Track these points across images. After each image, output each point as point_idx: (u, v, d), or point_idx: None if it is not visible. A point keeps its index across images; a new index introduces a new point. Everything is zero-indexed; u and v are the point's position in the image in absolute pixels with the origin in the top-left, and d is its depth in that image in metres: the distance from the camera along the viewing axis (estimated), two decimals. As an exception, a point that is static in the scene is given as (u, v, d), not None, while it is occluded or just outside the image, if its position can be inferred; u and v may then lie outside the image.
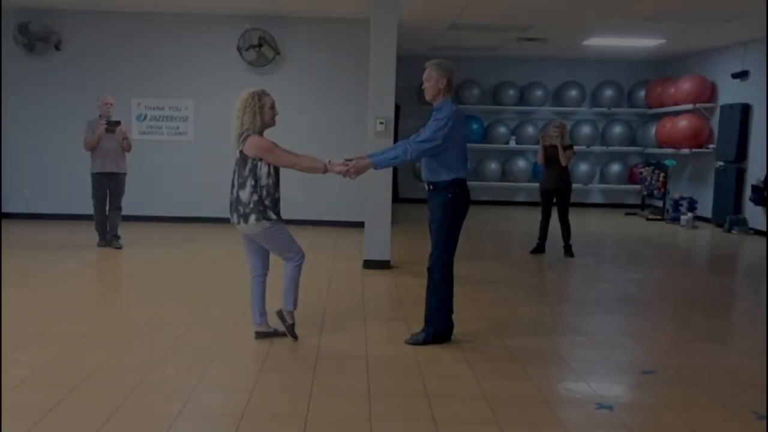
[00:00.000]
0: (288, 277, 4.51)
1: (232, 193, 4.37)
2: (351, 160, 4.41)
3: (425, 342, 4.47)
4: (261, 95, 4.32)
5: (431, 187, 4.40)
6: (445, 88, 4.35)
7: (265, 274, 4.60)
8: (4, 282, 5.74)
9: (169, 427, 3.17)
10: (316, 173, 4.46)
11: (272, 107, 4.37)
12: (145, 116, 9.74)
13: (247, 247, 4.56)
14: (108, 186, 7.66)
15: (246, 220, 4.29)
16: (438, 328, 4.50)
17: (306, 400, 3.52)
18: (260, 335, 4.55)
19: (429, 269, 4.51)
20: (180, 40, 9.90)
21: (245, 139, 4.28)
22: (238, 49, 9.78)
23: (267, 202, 4.30)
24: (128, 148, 7.73)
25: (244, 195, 4.28)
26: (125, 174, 7.76)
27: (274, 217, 4.33)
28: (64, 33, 9.78)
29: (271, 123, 4.39)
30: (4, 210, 9.70)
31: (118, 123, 7.59)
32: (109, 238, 7.78)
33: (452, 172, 4.32)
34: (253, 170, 4.27)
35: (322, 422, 3.27)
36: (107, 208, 7.71)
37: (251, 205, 4.27)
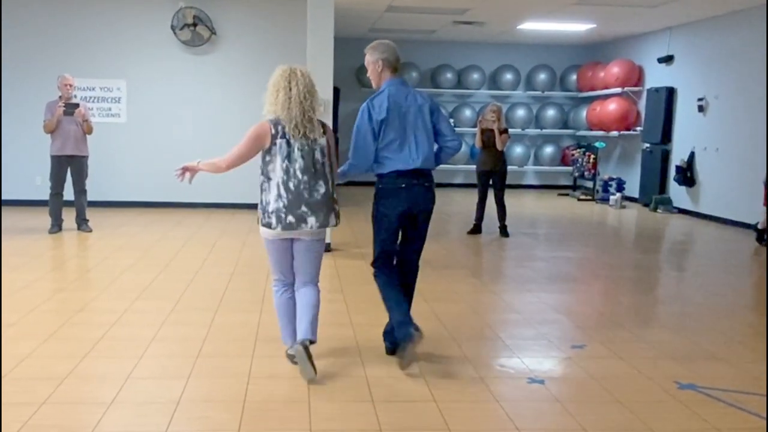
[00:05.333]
0: (310, 299, 3.78)
1: (322, 188, 3.61)
2: None
3: None
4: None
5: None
6: (383, 70, 3.90)
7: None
8: None
9: (102, 416, 3.10)
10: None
11: None
12: (75, 97, 9.34)
13: (282, 249, 3.74)
14: (69, 169, 7.54)
15: (331, 222, 3.68)
16: None
17: (244, 384, 3.51)
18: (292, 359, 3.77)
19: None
20: (111, 18, 9.55)
21: (324, 125, 3.68)
22: (172, 28, 9.51)
23: None
24: (89, 131, 7.58)
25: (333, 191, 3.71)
26: (86, 157, 7.63)
27: None
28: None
29: None
30: None
31: (76, 105, 7.43)
32: (78, 223, 7.71)
33: (373, 168, 3.88)
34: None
35: (261, 406, 3.27)
36: (72, 191, 7.59)
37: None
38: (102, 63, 9.58)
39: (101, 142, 9.38)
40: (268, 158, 3.58)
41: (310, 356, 3.53)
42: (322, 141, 3.63)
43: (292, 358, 3.74)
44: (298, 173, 3.54)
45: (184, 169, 3.64)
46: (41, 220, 7.86)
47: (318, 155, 3.60)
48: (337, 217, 3.71)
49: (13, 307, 4.73)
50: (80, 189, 7.63)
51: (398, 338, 3.76)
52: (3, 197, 9.40)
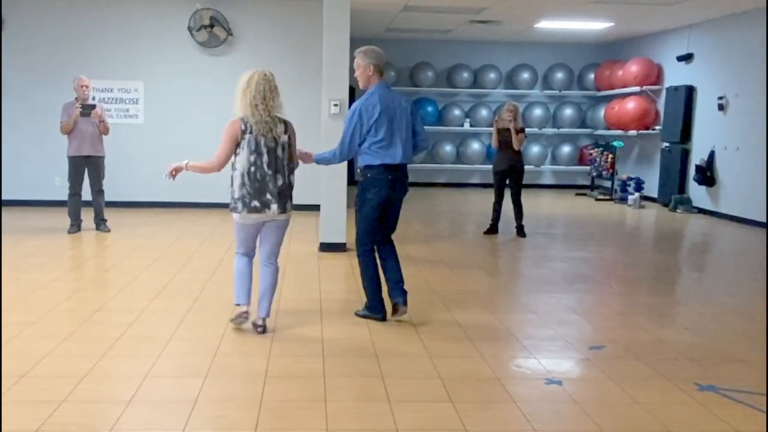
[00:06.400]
0: (272, 280, 4.35)
1: (280, 180, 4.14)
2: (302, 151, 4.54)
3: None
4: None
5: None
6: (373, 74, 4.47)
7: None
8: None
9: (120, 414, 3.13)
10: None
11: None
12: (94, 98, 9.45)
13: (251, 233, 4.28)
14: (86, 169, 7.60)
15: (288, 208, 4.25)
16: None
17: (261, 383, 3.52)
18: (243, 316, 4.32)
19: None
20: (128, 20, 9.63)
21: (288, 125, 4.19)
22: (189, 29, 9.57)
23: None
24: (105, 131, 7.64)
25: (293, 181, 4.27)
26: (103, 157, 7.69)
27: None
28: (7, 13, 9.41)
29: None
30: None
31: (93, 107, 7.49)
32: (97, 223, 7.79)
33: (364, 160, 4.47)
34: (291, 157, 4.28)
35: (277, 405, 3.27)
36: (90, 192, 7.66)
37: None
38: (120, 64, 9.67)
39: (119, 142, 9.47)
40: (237, 151, 4.11)
41: (265, 329, 4.29)
42: (284, 138, 4.15)
43: (239, 317, 4.31)
44: (264, 166, 4.08)
45: (175, 170, 4.20)
46: (60, 221, 7.94)
47: (279, 151, 4.13)
48: (291, 203, 4.25)
49: (33, 307, 4.79)
50: (98, 189, 7.69)
51: (364, 312, 4.69)
52: (23, 198, 9.55)
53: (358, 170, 4.61)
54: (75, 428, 2.99)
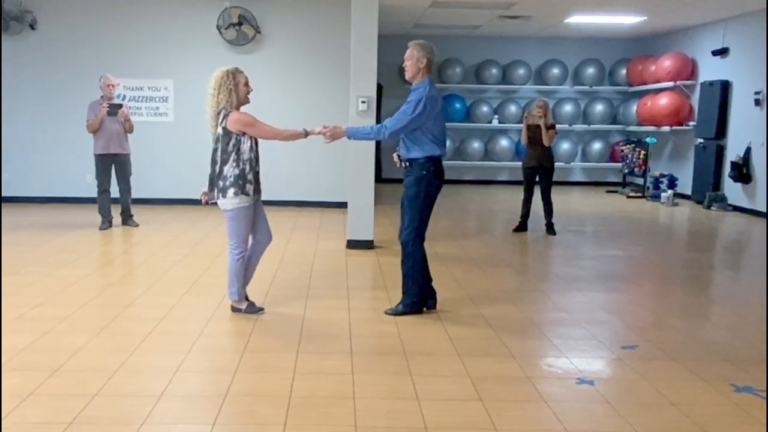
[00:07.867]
0: (228, 268, 4.60)
1: (213, 169, 4.46)
2: (328, 126, 4.64)
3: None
4: (235, 73, 4.46)
5: (407, 164, 4.56)
6: (424, 67, 4.48)
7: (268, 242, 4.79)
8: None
9: (152, 408, 3.15)
10: (299, 138, 4.66)
11: (246, 84, 4.52)
12: (124, 97, 9.58)
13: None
14: (114, 167, 7.73)
15: (224, 194, 4.40)
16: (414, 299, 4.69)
17: (289, 380, 3.52)
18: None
19: (402, 244, 4.67)
20: (158, 19, 9.73)
21: (225, 116, 4.39)
22: (218, 27, 9.64)
23: (249, 177, 4.41)
24: (130, 130, 7.77)
25: (227, 169, 4.38)
26: (129, 154, 7.82)
27: (250, 193, 4.43)
28: (39, 12, 9.58)
29: (246, 100, 4.54)
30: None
31: (120, 106, 7.62)
32: (124, 218, 7.94)
33: (425, 151, 4.48)
34: (237, 145, 4.39)
35: (306, 402, 3.27)
36: (118, 189, 7.80)
37: (231, 179, 4.37)
38: (150, 63, 9.78)
39: (149, 140, 9.59)
40: None
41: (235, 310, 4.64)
42: (219, 131, 4.42)
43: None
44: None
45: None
46: (92, 217, 8.06)
47: (215, 144, 4.46)
48: (220, 191, 4.43)
49: (66, 302, 4.87)
50: (126, 187, 7.81)
51: (405, 309, 4.65)
52: (56, 195, 9.72)
53: (406, 162, 4.55)
54: (107, 422, 3.02)
